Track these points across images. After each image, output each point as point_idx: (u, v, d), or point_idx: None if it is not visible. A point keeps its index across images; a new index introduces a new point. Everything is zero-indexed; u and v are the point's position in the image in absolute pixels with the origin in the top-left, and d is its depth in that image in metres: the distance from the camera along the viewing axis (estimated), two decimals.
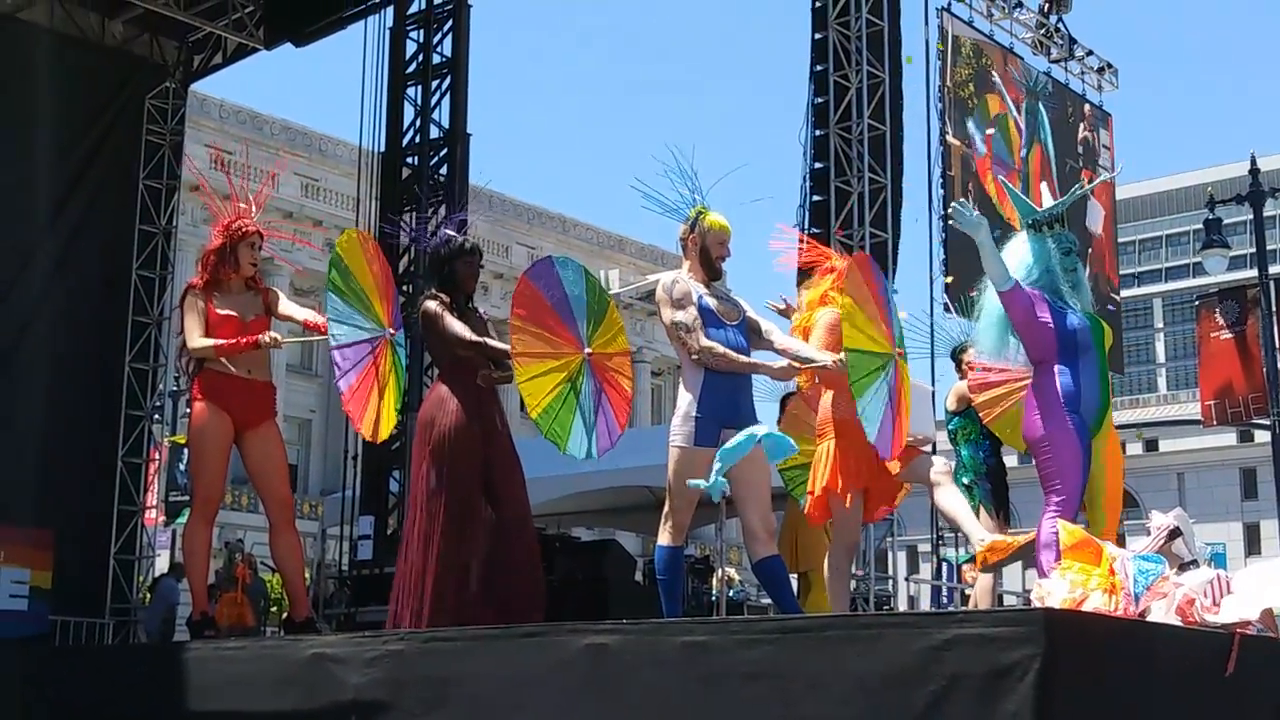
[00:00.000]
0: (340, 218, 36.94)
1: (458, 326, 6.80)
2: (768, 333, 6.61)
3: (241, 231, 7.45)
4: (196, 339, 7.32)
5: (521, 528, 6.86)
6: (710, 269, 6.50)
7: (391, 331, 6.99)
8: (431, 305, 6.89)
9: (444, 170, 15.67)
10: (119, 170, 16.23)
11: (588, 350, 6.60)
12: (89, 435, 15.55)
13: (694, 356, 6.24)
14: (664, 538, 6.33)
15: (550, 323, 6.55)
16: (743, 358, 6.37)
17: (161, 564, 22.00)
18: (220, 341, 7.27)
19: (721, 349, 6.25)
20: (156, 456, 18.70)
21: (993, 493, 8.18)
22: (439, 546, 6.65)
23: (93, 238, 15.87)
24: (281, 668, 6.26)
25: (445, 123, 15.84)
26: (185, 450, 25.30)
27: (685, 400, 6.29)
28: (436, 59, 16.01)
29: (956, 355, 8.38)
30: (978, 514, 8.15)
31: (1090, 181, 17.06)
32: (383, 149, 16.03)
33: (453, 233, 7.10)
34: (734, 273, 55.93)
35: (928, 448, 7.23)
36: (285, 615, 8.28)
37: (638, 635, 5.12)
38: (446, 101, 15.90)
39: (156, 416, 17.51)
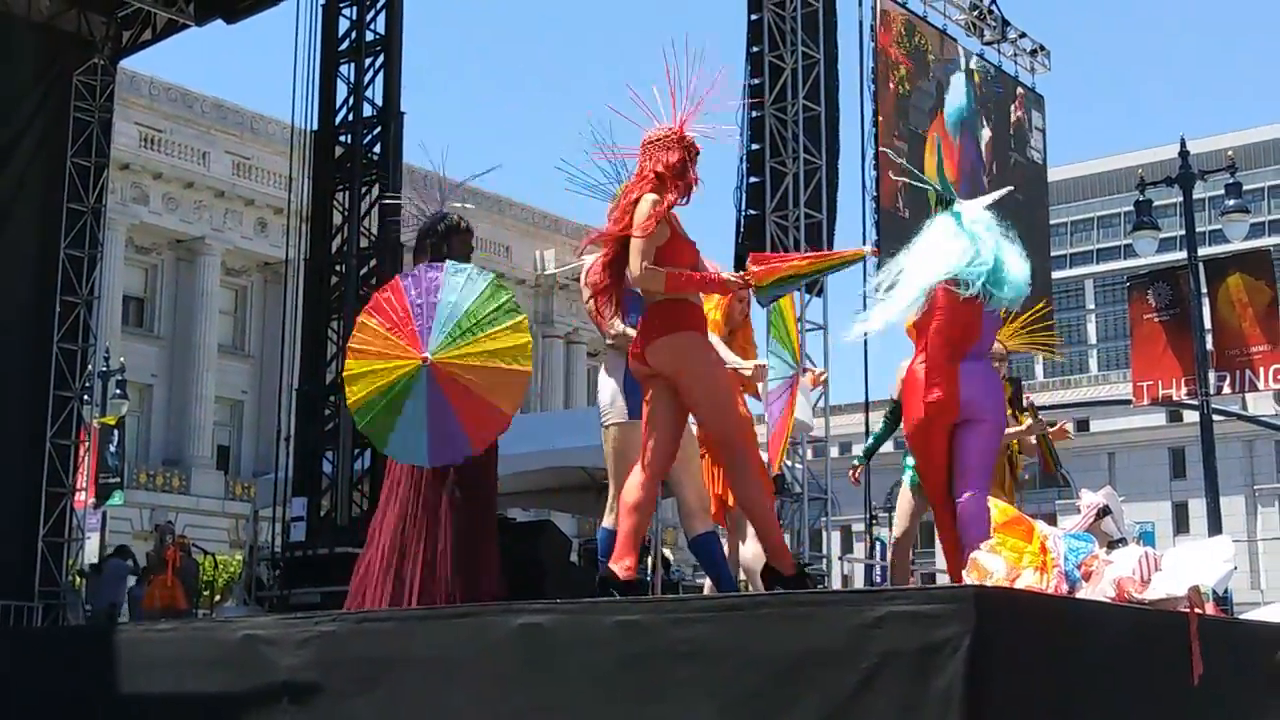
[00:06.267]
0: (272, 196, 36.50)
1: None
2: None
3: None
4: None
5: (483, 521, 6.59)
6: None
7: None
8: None
9: (378, 149, 15.55)
10: (47, 148, 15.97)
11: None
12: (17, 416, 15.33)
13: (609, 341, 6.19)
14: (608, 520, 6.27)
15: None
16: None
17: (91, 546, 21.76)
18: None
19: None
20: (85, 438, 18.45)
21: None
22: (396, 536, 6.44)
23: (20, 216, 15.63)
24: (212, 649, 6.21)
25: (379, 100, 15.72)
26: (115, 431, 25.11)
27: (610, 384, 6.25)
28: (370, 36, 15.86)
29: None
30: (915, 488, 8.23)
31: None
32: (316, 127, 15.89)
33: (446, 210, 6.74)
34: None
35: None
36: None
37: (572, 614, 5.11)
38: (380, 79, 15.77)
39: (85, 397, 17.26)
